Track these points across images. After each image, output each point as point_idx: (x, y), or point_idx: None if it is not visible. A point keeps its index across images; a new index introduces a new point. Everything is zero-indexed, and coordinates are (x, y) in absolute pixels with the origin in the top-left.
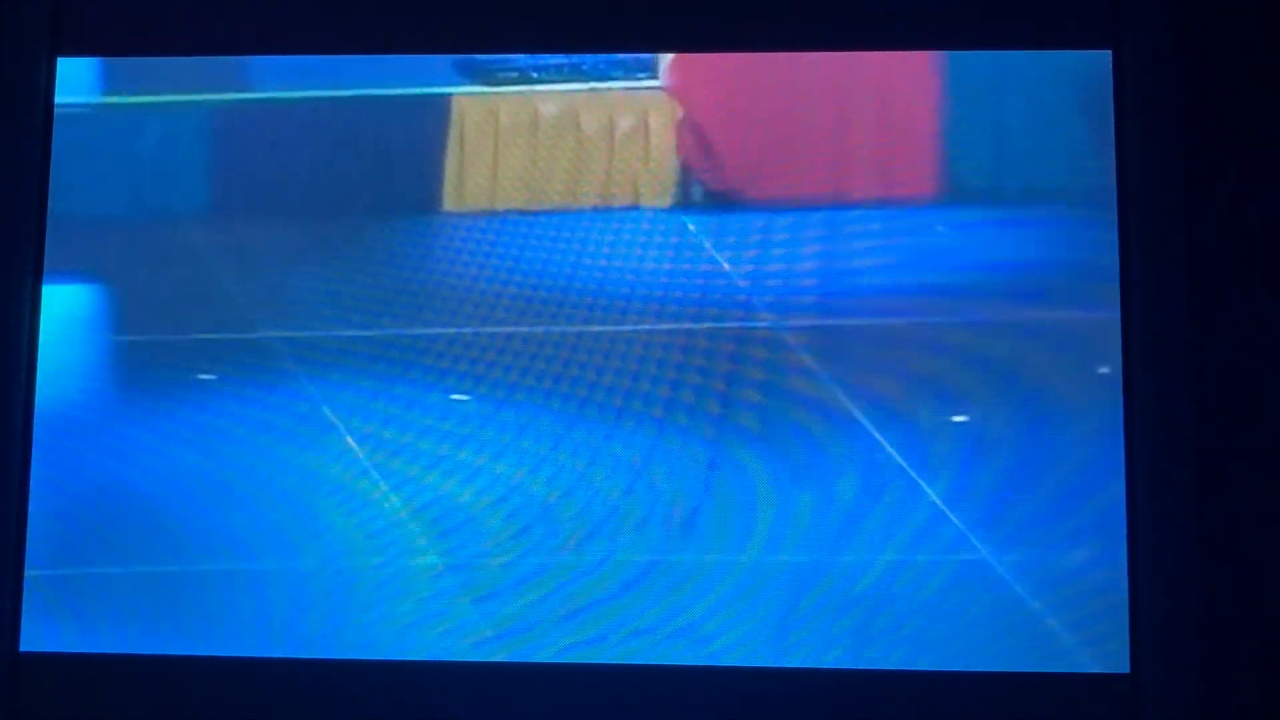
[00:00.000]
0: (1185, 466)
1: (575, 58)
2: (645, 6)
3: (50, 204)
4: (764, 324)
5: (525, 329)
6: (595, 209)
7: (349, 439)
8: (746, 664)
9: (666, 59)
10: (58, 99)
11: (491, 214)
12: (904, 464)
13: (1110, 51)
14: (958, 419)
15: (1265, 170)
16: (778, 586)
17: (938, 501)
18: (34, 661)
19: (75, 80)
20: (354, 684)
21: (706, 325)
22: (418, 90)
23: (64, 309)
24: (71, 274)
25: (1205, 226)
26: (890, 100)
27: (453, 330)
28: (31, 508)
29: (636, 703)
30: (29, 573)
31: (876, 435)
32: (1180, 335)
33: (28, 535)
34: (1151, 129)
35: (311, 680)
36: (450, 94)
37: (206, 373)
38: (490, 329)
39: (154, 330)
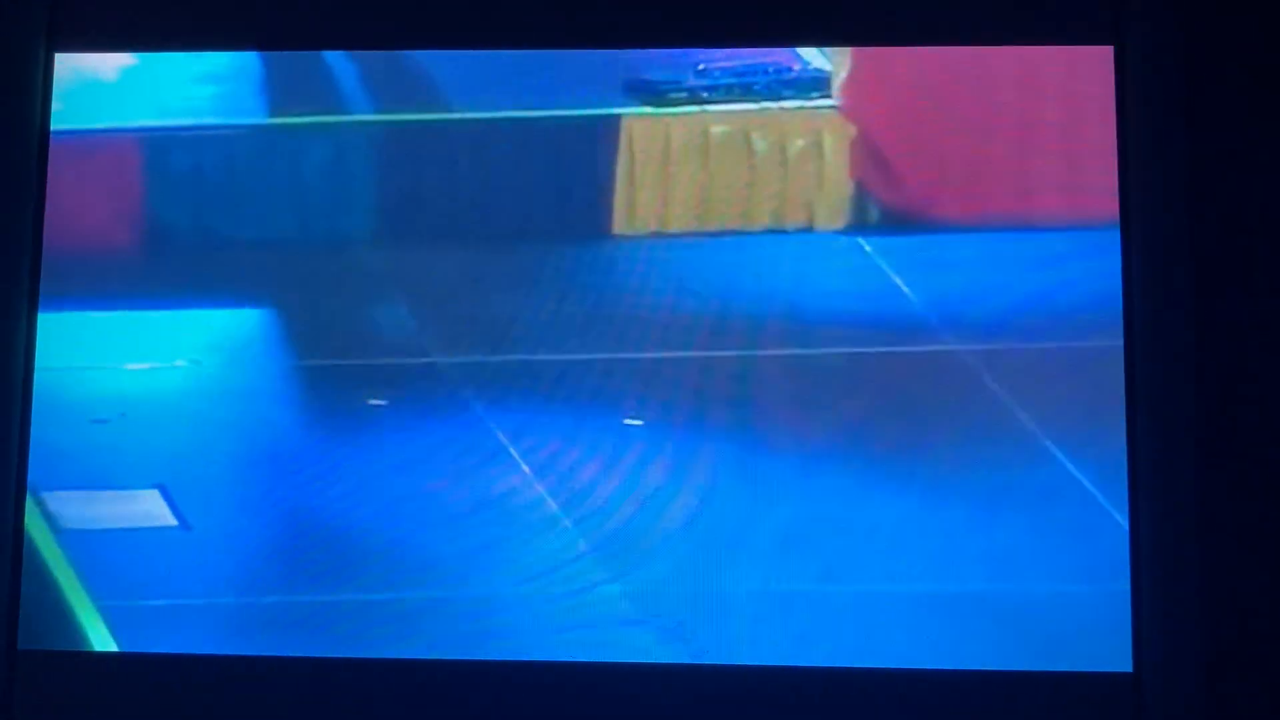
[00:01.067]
0: (1187, 465)
1: (746, 77)
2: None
3: (218, 227)
4: (945, 347)
5: (697, 353)
6: (768, 231)
7: (523, 464)
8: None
9: (840, 77)
10: (226, 120)
11: (662, 237)
12: (1093, 489)
13: (1112, 48)
14: None
15: (1269, 166)
16: (946, 614)
17: (1111, 510)
18: (32, 659)
19: (243, 101)
20: (355, 681)
21: (886, 349)
22: (587, 111)
23: (235, 332)
24: (240, 297)
25: (1208, 222)
26: (1075, 116)
27: (625, 354)
28: (214, 533)
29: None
30: (211, 600)
31: (1065, 461)
32: (1183, 334)
33: (207, 561)
34: (1154, 124)
35: (310, 679)
36: (620, 115)
37: (378, 398)
38: (662, 353)
39: (325, 355)
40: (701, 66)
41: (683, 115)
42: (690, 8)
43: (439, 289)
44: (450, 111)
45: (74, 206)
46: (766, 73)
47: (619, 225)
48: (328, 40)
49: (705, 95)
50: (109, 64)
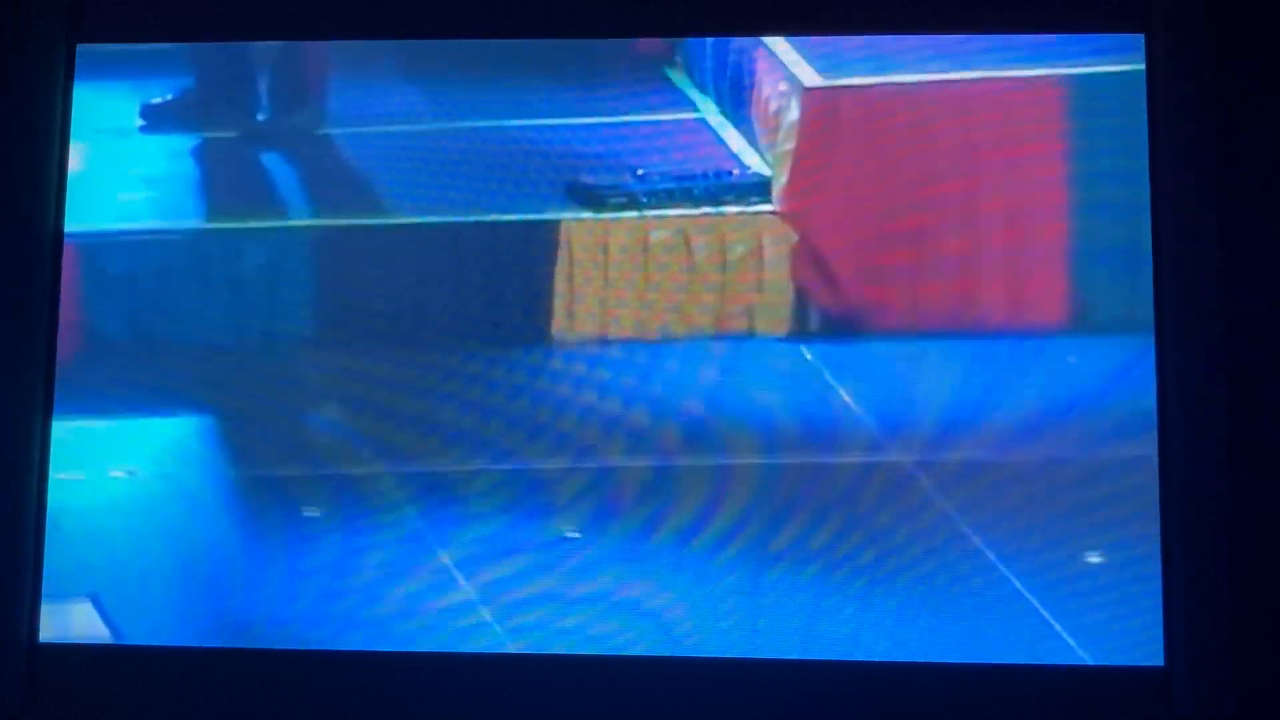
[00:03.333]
0: (1218, 460)
1: (686, 181)
2: None
3: (154, 333)
4: (887, 458)
5: (637, 462)
6: (708, 337)
7: (459, 576)
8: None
9: (781, 182)
10: (160, 225)
11: (602, 342)
12: (1033, 599)
13: (1143, 35)
14: (1093, 559)
15: None
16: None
17: (1061, 631)
18: (52, 652)
19: (179, 205)
20: (372, 679)
21: (826, 459)
22: (526, 216)
23: (171, 441)
24: (176, 405)
25: (1240, 208)
26: (1019, 223)
27: (563, 464)
28: (155, 640)
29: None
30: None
31: (1007, 573)
32: (1215, 323)
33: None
34: (1185, 111)
35: (332, 675)
36: (559, 220)
37: (313, 507)
38: (601, 462)
39: (260, 464)
40: (641, 171)
41: (622, 219)
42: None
43: (376, 396)
44: (388, 216)
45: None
46: (706, 177)
47: (558, 330)
48: (349, 30)
49: (645, 199)
50: None
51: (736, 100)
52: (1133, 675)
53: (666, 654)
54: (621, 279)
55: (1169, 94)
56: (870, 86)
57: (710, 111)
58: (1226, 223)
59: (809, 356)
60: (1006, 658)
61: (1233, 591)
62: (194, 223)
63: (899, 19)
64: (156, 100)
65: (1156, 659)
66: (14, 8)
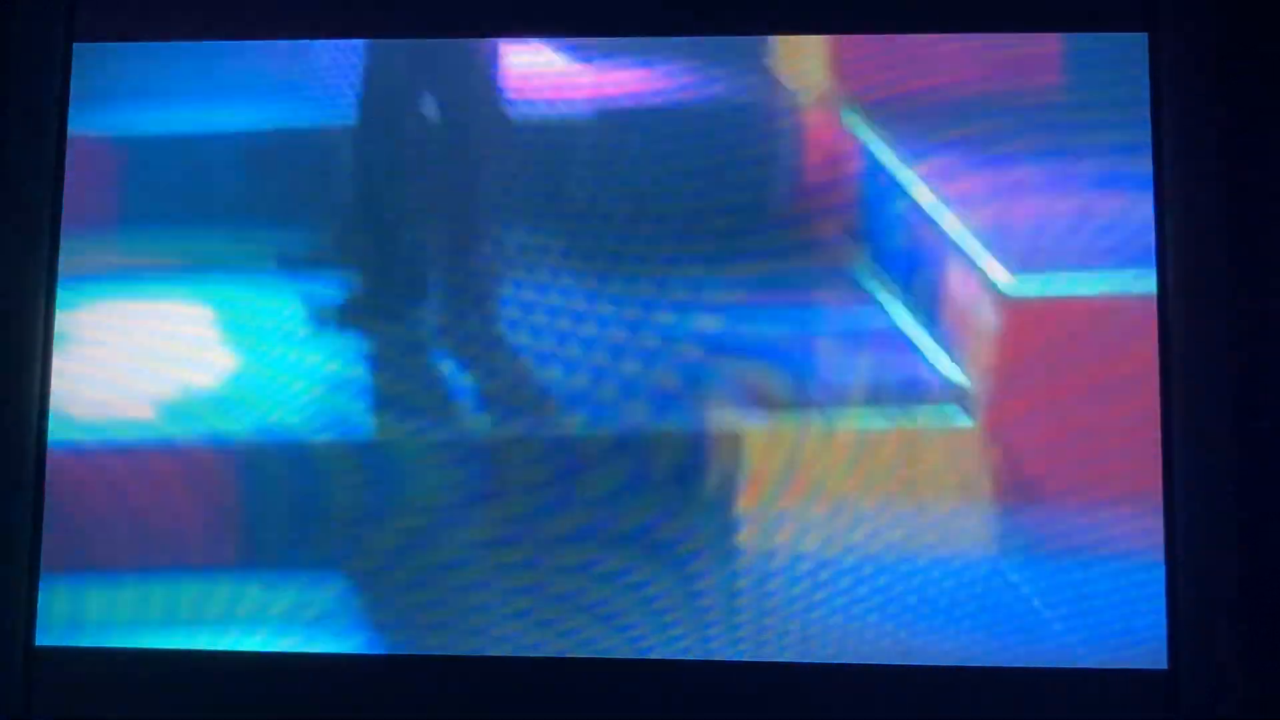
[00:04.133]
0: (1224, 461)
1: (875, 387)
2: None
3: (314, 545)
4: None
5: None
6: (899, 555)
7: None
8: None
9: (976, 391)
10: (326, 434)
11: (795, 558)
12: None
13: (1146, 35)
14: None
15: None
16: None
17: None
18: (49, 655)
19: (344, 413)
20: (372, 680)
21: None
22: (707, 427)
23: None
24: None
25: (1246, 211)
26: None
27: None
28: None
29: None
30: None
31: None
32: (1221, 332)
33: None
34: (1189, 113)
35: (331, 676)
36: (744, 430)
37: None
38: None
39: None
40: (826, 374)
41: (809, 426)
42: None
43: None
44: (563, 426)
45: (168, 520)
46: (896, 383)
47: (748, 544)
48: (351, 30)
49: (832, 406)
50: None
51: (928, 304)
52: (1137, 678)
53: None
54: (808, 488)
55: (1173, 95)
56: (1070, 298)
57: (900, 314)
58: (1233, 222)
59: (1013, 578)
60: (1011, 661)
61: (1238, 594)
62: (363, 432)
63: (899, 18)
64: (323, 302)
65: (1160, 662)
66: (13, 8)
